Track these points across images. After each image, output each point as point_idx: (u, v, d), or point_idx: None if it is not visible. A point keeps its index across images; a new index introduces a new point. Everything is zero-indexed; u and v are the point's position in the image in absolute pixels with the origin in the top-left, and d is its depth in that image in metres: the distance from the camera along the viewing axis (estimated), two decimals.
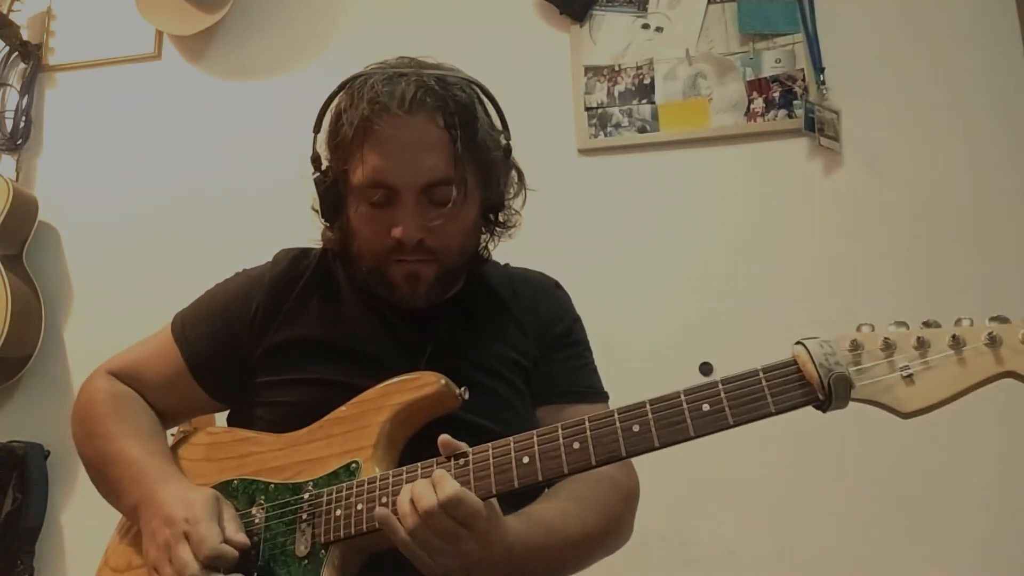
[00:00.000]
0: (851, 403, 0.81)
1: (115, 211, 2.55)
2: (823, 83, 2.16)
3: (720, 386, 0.84)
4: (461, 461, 0.93)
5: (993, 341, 0.76)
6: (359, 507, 0.95)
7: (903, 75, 2.17)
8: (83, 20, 2.72)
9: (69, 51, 2.71)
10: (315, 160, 1.14)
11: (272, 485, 1.04)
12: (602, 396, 1.22)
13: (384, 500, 0.94)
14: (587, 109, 2.31)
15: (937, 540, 1.93)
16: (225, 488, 1.07)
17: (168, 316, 1.24)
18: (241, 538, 0.98)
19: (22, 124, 2.65)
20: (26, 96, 2.66)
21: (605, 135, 2.29)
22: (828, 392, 0.79)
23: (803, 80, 2.19)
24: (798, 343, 0.82)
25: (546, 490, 1.08)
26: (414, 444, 1.03)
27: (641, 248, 2.22)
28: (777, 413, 0.82)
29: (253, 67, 2.57)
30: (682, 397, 0.85)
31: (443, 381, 1.01)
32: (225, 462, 1.10)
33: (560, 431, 0.90)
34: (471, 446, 0.94)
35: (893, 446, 1.95)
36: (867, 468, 1.98)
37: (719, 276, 2.16)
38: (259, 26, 2.58)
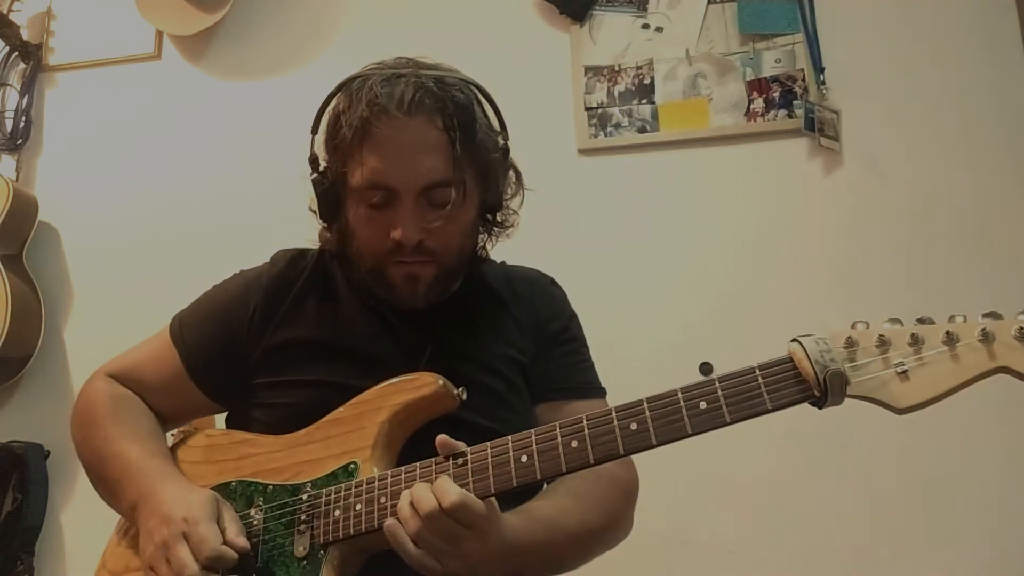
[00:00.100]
0: (847, 400, 0.81)
1: (115, 211, 2.55)
2: (823, 83, 2.16)
3: (717, 384, 0.84)
4: (460, 461, 0.93)
5: (986, 337, 0.77)
6: (358, 508, 0.96)
7: (903, 75, 2.17)
8: (83, 20, 2.72)
9: (69, 51, 2.71)
10: (313, 161, 1.14)
11: (270, 486, 1.04)
12: (599, 392, 1.22)
13: (383, 501, 0.94)
14: (587, 109, 2.31)
15: (937, 540, 1.93)
16: (223, 490, 1.07)
17: (168, 316, 1.24)
18: (242, 541, 0.98)
19: (22, 124, 2.65)
20: (26, 96, 2.66)
21: (605, 135, 2.29)
22: (824, 389, 0.79)
23: (803, 80, 2.19)
24: (794, 340, 0.83)
25: (545, 486, 1.08)
26: (413, 444, 1.03)
27: (641, 248, 2.22)
28: (774, 410, 0.82)
29: (253, 67, 2.57)
30: (679, 395, 0.86)
31: (441, 382, 1.01)
32: (223, 464, 1.10)
33: (558, 430, 0.90)
34: (470, 445, 0.94)
35: (893, 446, 1.95)
36: (867, 468, 1.98)
37: (719, 276, 2.16)
38: (259, 26, 2.58)
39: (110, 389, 1.19)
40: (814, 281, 2.09)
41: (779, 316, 2.04)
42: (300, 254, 1.24)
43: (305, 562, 0.97)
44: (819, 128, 2.14)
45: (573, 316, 1.27)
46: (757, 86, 2.22)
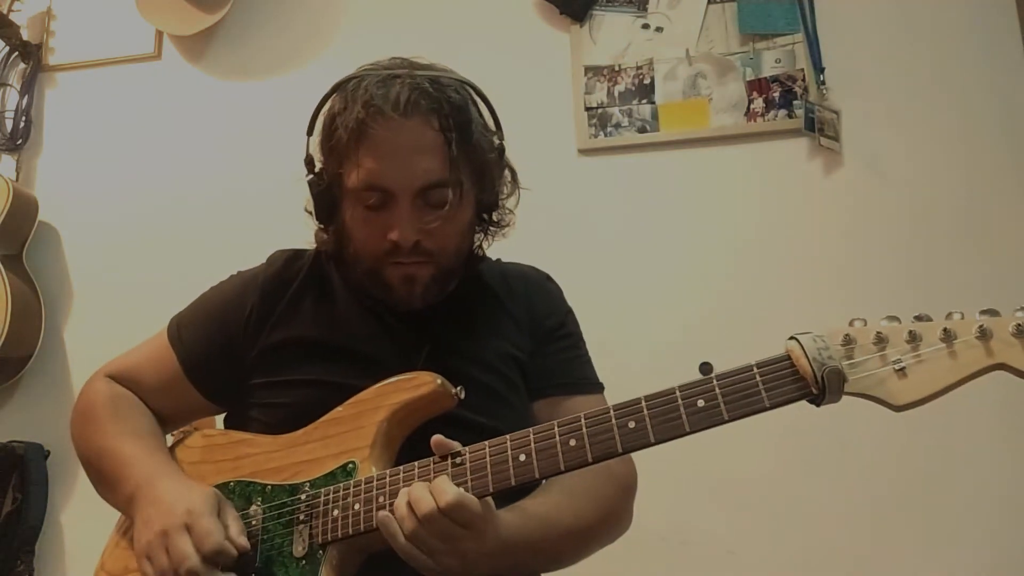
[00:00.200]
0: (846, 399, 0.81)
1: (115, 211, 2.55)
2: (823, 83, 2.16)
3: (715, 381, 0.84)
4: (458, 460, 0.93)
5: (984, 334, 0.77)
6: (356, 507, 0.96)
7: (903, 75, 2.17)
8: (83, 20, 2.72)
9: (69, 51, 2.71)
10: (308, 162, 1.14)
11: (269, 486, 1.04)
12: (597, 387, 1.22)
13: (381, 500, 0.94)
14: (587, 109, 2.31)
15: (937, 540, 1.93)
16: (222, 490, 1.06)
17: (168, 316, 1.25)
18: (243, 541, 0.98)
19: (22, 124, 2.65)
20: (26, 96, 2.66)
21: (605, 135, 2.29)
22: (821, 386, 0.79)
23: (803, 80, 2.19)
24: (791, 338, 0.83)
25: (543, 482, 1.08)
26: (411, 443, 1.03)
27: (641, 248, 2.22)
28: (771, 407, 0.82)
29: (253, 67, 2.57)
30: (677, 393, 0.86)
31: (439, 381, 1.01)
32: (221, 464, 1.10)
33: (556, 428, 0.90)
34: (469, 443, 0.94)
35: (893, 446, 1.95)
36: (867, 468, 1.98)
37: (719, 276, 2.16)
38: (259, 26, 2.58)
39: (110, 389, 1.19)
40: (814, 281, 2.09)
41: (779, 316, 2.04)
42: (296, 255, 1.24)
43: (304, 562, 0.97)
44: (819, 128, 2.14)
45: (569, 312, 1.27)
46: (757, 86, 2.22)
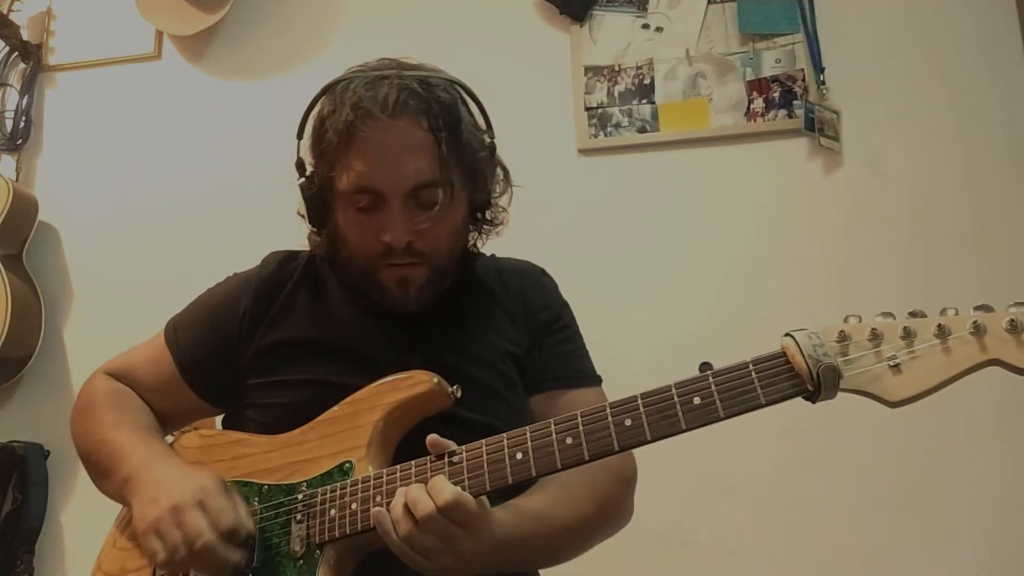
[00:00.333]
0: (844, 398, 0.81)
1: (115, 211, 2.55)
2: (823, 83, 2.16)
3: (711, 379, 0.84)
4: (455, 459, 0.93)
5: (978, 330, 0.77)
6: (353, 507, 0.96)
7: (903, 75, 2.17)
8: (83, 20, 2.72)
9: (69, 51, 2.71)
10: (299, 166, 1.14)
11: (266, 486, 1.04)
12: (595, 380, 1.22)
13: (379, 499, 0.94)
14: (587, 109, 2.31)
15: (937, 540, 1.93)
16: None
17: (168, 316, 1.25)
18: (251, 524, 0.98)
19: (22, 124, 2.65)
20: (26, 96, 2.66)
21: (605, 135, 2.29)
22: (817, 383, 0.80)
23: (803, 80, 2.19)
24: (787, 335, 0.83)
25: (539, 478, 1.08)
26: (408, 442, 1.03)
27: (641, 248, 2.22)
28: (767, 404, 0.82)
29: (253, 67, 2.57)
30: (673, 390, 0.86)
31: (435, 380, 1.01)
32: (218, 464, 1.10)
33: (553, 426, 0.90)
34: (466, 441, 0.94)
35: (893, 446, 1.95)
36: (867, 468, 1.98)
37: (719, 276, 2.16)
38: (259, 26, 2.58)
39: (109, 385, 1.20)
40: (814, 281, 2.09)
41: (779, 316, 2.02)
42: (291, 256, 1.24)
43: (301, 562, 0.97)
44: (819, 128, 2.14)
45: (565, 305, 1.26)
46: (757, 86, 2.22)
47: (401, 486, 0.92)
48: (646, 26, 2.33)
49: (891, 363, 0.79)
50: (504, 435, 0.92)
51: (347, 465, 1.00)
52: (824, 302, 2.04)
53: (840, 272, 2.09)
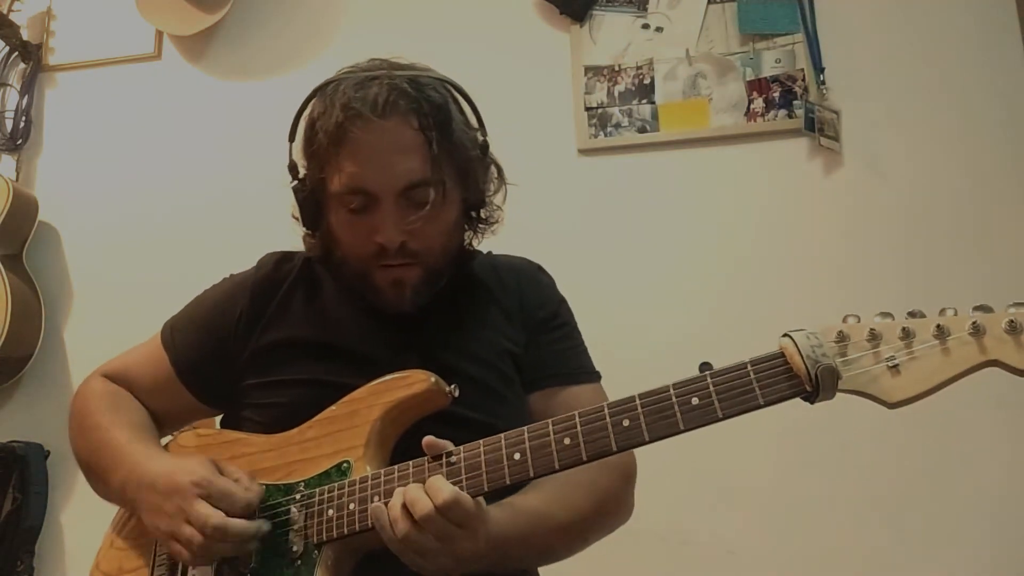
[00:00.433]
0: (843, 398, 0.81)
1: (115, 211, 2.55)
2: (823, 83, 2.16)
3: (709, 379, 0.84)
4: (453, 459, 0.93)
5: (977, 330, 0.77)
6: (351, 507, 0.95)
7: (903, 75, 2.16)
8: (83, 20, 2.72)
9: (69, 51, 2.70)
10: (292, 168, 1.13)
11: (264, 486, 1.04)
12: (593, 376, 1.21)
13: (376, 500, 0.94)
14: (587, 109, 2.31)
15: (937, 540, 1.93)
16: None
17: (168, 317, 1.25)
18: (256, 486, 0.99)
19: (22, 124, 2.65)
20: (26, 96, 2.66)
21: (605, 135, 2.29)
22: (815, 383, 0.79)
23: (803, 80, 2.19)
24: (785, 335, 0.83)
25: None
26: (405, 441, 1.02)
27: (641, 248, 2.22)
28: (765, 405, 0.82)
29: (253, 67, 2.57)
30: (671, 391, 0.86)
31: (433, 379, 1.01)
32: None
33: (551, 427, 0.90)
34: (465, 440, 0.94)
35: (893, 446, 1.95)
36: (867, 468, 1.98)
37: (719, 276, 2.16)
38: (259, 26, 2.58)
39: (105, 387, 1.20)
40: (814, 281, 2.09)
41: (779, 316, 2.02)
42: (286, 256, 1.24)
43: (299, 562, 0.97)
44: (819, 128, 2.14)
45: (562, 301, 1.26)
46: (757, 86, 2.22)
47: (399, 486, 0.92)
48: (646, 26, 2.33)
49: (890, 364, 0.79)
50: (502, 435, 0.92)
51: (345, 465, 1.00)
52: (824, 302, 2.04)
53: (840, 272, 2.09)
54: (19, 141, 2.63)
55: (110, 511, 1.16)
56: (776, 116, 2.20)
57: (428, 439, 0.94)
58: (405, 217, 1.06)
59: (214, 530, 0.94)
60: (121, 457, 1.08)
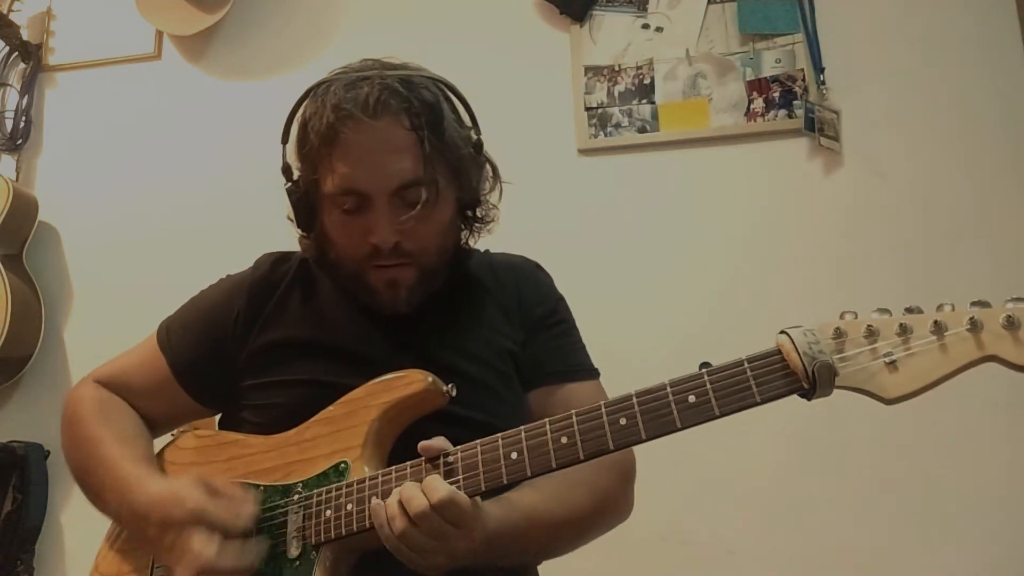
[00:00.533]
0: (845, 399, 0.81)
1: (115, 211, 2.55)
2: (823, 83, 2.16)
3: (706, 377, 0.84)
4: (450, 459, 0.92)
5: (974, 326, 0.76)
6: (349, 507, 0.95)
7: (903, 75, 2.16)
8: (83, 20, 2.72)
9: (69, 51, 2.71)
10: (286, 170, 1.13)
11: (262, 487, 1.04)
12: (592, 373, 1.21)
13: (374, 500, 0.94)
14: (587, 109, 2.31)
15: (937, 540, 1.93)
16: None
17: (168, 316, 1.25)
18: (249, 505, 0.98)
19: (22, 124, 2.65)
20: (26, 96, 2.66)
21: (605, 135, 2.29)
22: (812, 380, 0.79)
23: (803, 80, 2.19)
24: (782, 332, 0.83)
25: None
26: (403, 441, 1.02)
27: (641, 248, 2.22)
28: (762, 402, 0.82)
29: (253, 67, 2.57)
30: (668, 389, 0.85)
31: (430, 379, 1.01)
32: (214, 465, 1.10)
33: (548, 426, 0.90)
34: (463, 439, 0.94)
35: (894, 446, 1.95)
36: (867, 468, 1.98)
37: (719, 276, 2.16)
38: (259, 26, 2.58)
39: (96, 394, 1.19)
40: (814, 281, 2.09)
41: (779, 316, 2.01)
42: (283, 257, 1.23)
43: (297, 563, 0.96)
44: (819, 128, 2.14)
45: (560, 299, 1.26)
46: (757, 86, 2.22)
47: (396, 487, 0.92)
48: (646, 26, 2.33)
49: (887, 360, 0.79)
50: (499, 435, 0.92)
51: (342, 465, 1.00)
52: (824, 302, 2.02)
53: (840, 272, 2.08)
54: (19, 141, 2.63)
55: None
56: (776, 116, 2.20)
57: (423, 444, 0.94)
58: (398, 217, 1.06)
59: (211, 567, 0.93)
60: (113, 479, 1.07)
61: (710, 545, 2.01)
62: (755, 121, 2.21)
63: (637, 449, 0.98)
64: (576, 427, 0.88)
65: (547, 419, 0.91)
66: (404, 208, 1.06)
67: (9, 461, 2.35)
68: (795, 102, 2.19)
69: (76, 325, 2.52)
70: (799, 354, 0.80)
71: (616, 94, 2.30)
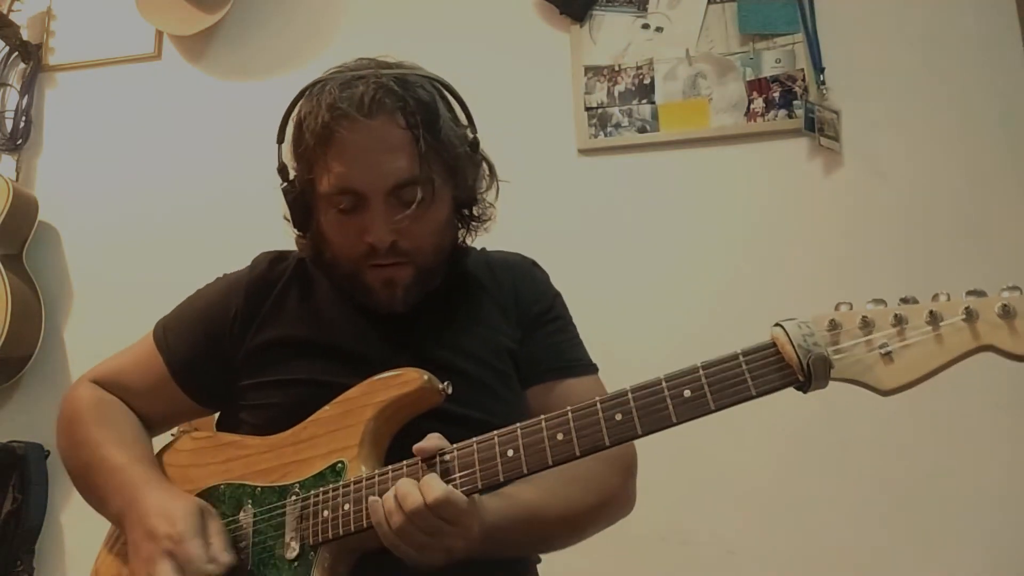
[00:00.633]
0: (838, 391, 0.80)
1: (115, 211, 2.55)
2: (823, 83, 2.16)
3: (701, 371, 0.84)
4: (446, 457, 0.92)
5: (970, 315, 0.76)
6: (346, 507, 0.95)
7: (903, 75, 2.16)
8: (83, 20, 2.72)
9: (69, 51, 2.71)
10: (282, 170, 1.13)
11: (259, 488, 1.04)
12: (590, 368, 1.21)
13: (371, 498, 0.93)
14: (587, 109, 2.31)
15: (937, 540, 1.92)
16: (212, 493, 1.07)
17: None
18: (226, 557, 0.97)
19: (22, 124, 2.65)
20: (26, 96, 2.66)
21: (605, 135, 2.29)
22: (807, 373, 0.79)
23: (803, 80, 2.19)
24: (777, 325, 0.83)
25: None
26: (400, 440, 1.02)
27: (641, 248, 2.22)
28: (758, 396, 0.81)
29: (253, 67, 2.57)
30: (663, 384, 0.85)
31: (426, 377, 1.00)
32: (211, 467, 1.10)
33: (544, 423, 0.90)
34: (460, 437, 0.94)
35: (893, 446, 1.95)
36: (867, 468, 1.98)
37: (719, 276, 2.16)
38: (259, 26, 2.58)
39: (93, 394, 1.18)
40: (814, 281, 2.09)
41: (778, 316, 2.02)
42: (280, 256, 1.23)
43: (296, 563, 0.96)
44: (819, 128, 2.14)
45: (557, 295, 1.25)
46: (757, 86, 2.22)
47: (393, 486, 0.92)
48: (646, 26, 2.33)
49: (882, 351, 0.78)
50: (495, 433, 0.92)
51: (339, 465, 1.00)
52: (824, 302, 2.01)
53: (840, 272, 2.08)
54: (19, 141, 2.64)
55: None
56: (776, 116, 2.20)
57: (417, 447, 0.93)
58: (394, 216, 1.06)
59: None
60: (118, 483, 1.07)
61: (710, 545, 2.01)
62: (755, 121, 2.21)
63: (638, 446, 0.97)
64: (572, 423, 0.88)
65: (543, 416, 0.90)
66: (400, 207, 1.06)
67: (9, 461, 2.35)
68: (795, 102, 2.19)
69: (76, 325, 2.52)
70: (794, 347, 0.80)
71: (616, 94, 2.30)
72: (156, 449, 1.19)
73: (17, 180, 2.58)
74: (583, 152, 2.30)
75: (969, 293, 0.77)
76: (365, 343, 1.12)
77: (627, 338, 2.08)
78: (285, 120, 1.12)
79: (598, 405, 0.88)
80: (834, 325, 0.81)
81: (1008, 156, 2.08)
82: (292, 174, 1.13)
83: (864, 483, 1.97)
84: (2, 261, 2.41)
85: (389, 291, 1.10)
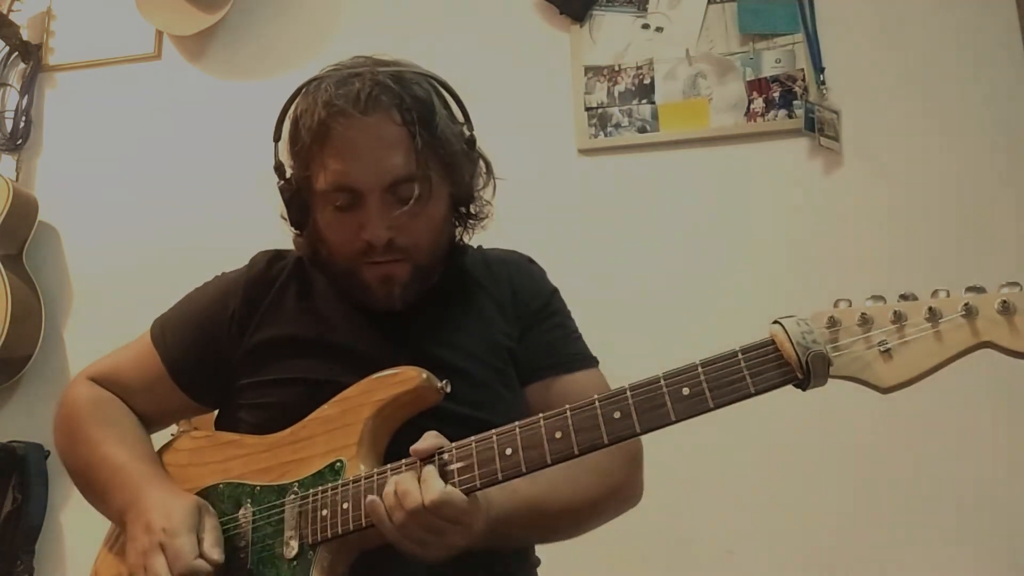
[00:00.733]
0: (838, 393, 0.80)
1: (115, 211, 2.55)
2: (823, 83, 2.16)
3: (699, 369, 0.84)
4: (445, 456, 0.92)
5: (969, 312, 0.75)
6: (345, 506, 0.95)
7: (903, 75, 2.16)
8: (83, 20, 2.72)
9: (69, 51, 2.71)
10: (278, 168, 1.13)
11: (258, 488, 1.04)
12: (590, 361, 1.20)
13: (370, 497, 0.93)
14: (587, 109, 2.31)
15: (937, 540, 1.92)
16: (211, 492, 1.06)
17: None
18: (216, 555, 0.97)
19: (22, 124, 2.65)
20: (26, 96, 2.66)
21: (605, 135, 2.29)
22: (806, 371, 0.78)
23: (803, 80, 2.19)
24: (775, 322, 0.82)
25: None
26: (398, 438, 1.02)
27: (641, 248, 2.22)
28: (756, 393, 0.81)
29: (253, 67, 2.57)
30: (662, 381, 0.85)
31: (424, 375, 1.00)
32: (210, 466, 1.10)
33: (542, 421, 0.90)
34: (459, 435, 0.94)
35: (893, 446, 1.95)
36: (867, 468, 1.97)
37: (718, 275, 2.16)
38: (259, 26, 2.58)
39: (92, 392, 1.18)
40: (813, 280, 2.09)
41: (778, 314, 2.03)
42: (278, 255, 1.23)
43: (295, 562, 0.96)
44: (819, 128, 2.14)
45: (555, 291, 1.25)
46: (757, 86, 2.22)
47: None
48: (646, 26, 2.33)
49: (881, 349, 0.78)
50: (494, 432, 0.92)
51: (338, 464, 1.00)
52: (824, 302, 2.02)
53: (840, 272, 2.08)
54: (19, 141, 2.64)
55: None
56: (776, 116, 2.20)
57: (414, 448, 0.93)
58: (391, 213, 1.05)
59: None
60: (120, 481, 1.07)
61: (710, 545, 2.01)
62: (755, 121, 2.21)
63: None
64: (570, 422, 0.88)
65: (541, 415, 0.90)
66: (397, 204, 1.06)
67: (9, 461, 2.35)
68: (795, 102, 2.19)
69: (76, 325, 2.52)
70: (793, 344, 0.79)
71: (616, 94, 2.30)
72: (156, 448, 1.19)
73: (17, 180, 2.58)
74: (583, 152, 2.30)
75: (968, 289, 0.77)
76: (363, 341, 1.12)
77: (626, 337, 2.08)
78: (281, 118, 1.11)
79: (596, 403, 0.87)
80: (833, 322, 0.81)
81: (1008, 156, 2.08)
82: (289, 172, 1.13)
83: (863, 483, 1.97)
84: (2, 261, 2.41)
85: (386, 288, 1.09)
